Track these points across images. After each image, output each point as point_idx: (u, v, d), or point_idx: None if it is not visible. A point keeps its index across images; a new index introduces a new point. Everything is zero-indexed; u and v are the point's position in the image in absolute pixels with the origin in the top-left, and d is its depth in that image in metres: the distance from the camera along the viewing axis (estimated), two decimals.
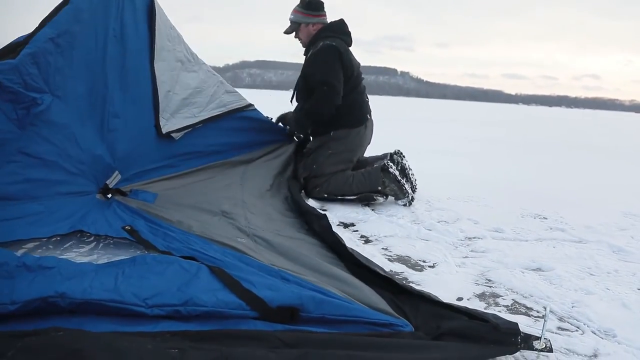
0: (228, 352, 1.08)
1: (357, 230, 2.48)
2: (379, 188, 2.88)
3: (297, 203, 2.54)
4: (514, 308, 1.67)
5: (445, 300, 1.49)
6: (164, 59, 2.56)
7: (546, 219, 2.88)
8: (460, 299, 1.72)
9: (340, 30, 3.07)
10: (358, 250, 1.90)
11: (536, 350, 1.25)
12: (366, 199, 2.95)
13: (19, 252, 1.62)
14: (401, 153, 3.05)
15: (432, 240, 2.36)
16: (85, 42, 2.16)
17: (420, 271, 1.97)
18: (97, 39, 2.23)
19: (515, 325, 1.28)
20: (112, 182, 2.34)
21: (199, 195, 2.44)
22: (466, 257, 2.16)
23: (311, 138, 3.18)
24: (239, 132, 2.97)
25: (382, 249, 2.22)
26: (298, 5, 3.10)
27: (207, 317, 1.30)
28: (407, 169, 3.00)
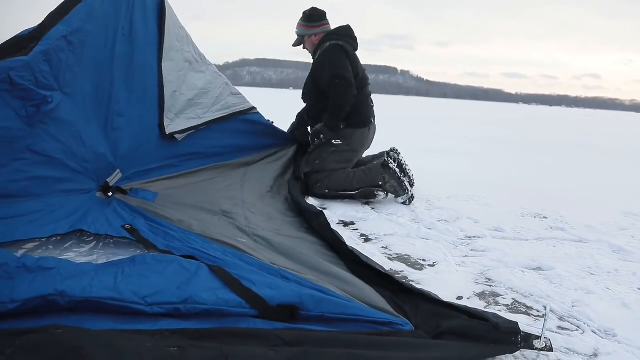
0: (228, 350, 1.08)
1: (357, 229, 2.48)
2: (380, 183, 2.91)
3: (297, 203, 2.54)
4: (514, 307, 1.67)
5: (445, 299, 1.49)
6: (172, 59, 2.57)
7: (546, 218, 2.88)
8: (460, 298, 1.72)
9: (345, 34, 3.13)
10: (358, 249, 1.90)
11: (536, 349, 1.25)
12: (367, 196, 2.96)
13: (19, 253, 1.62)
14: (397, 150, 3.11)
15: (432, 239, 2.36)
16: (96, 40, 2.16)
17: (420, 270, 1.96)
18: (107, 38, 2.24)
19: (515, 324, 1.28)
20: (112, 180, 2.34)
21: (199, 195, 2.44)
22: (466, 256, 2.16)
23: (316, 141, 3.20)
24: (240, 134, 2.98)
25: (382, 247, 2.22)
26: (301, 19, 3.22)
27: (207, 315, 1.30)
28: (403, 164, 3.04)
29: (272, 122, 3.22)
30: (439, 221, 2.64)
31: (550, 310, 1.62)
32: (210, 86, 2.78)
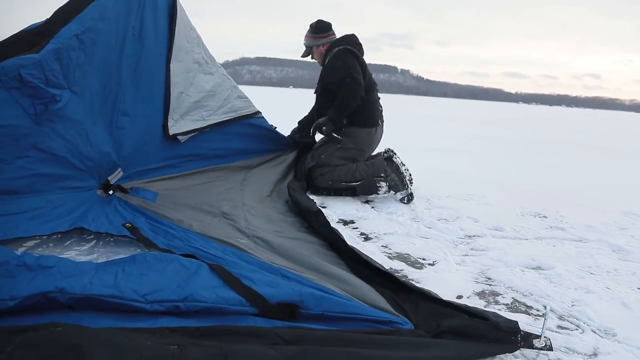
0: (227, 348, 1.08)
1: (356, 228, 2.48)
2: (382, 175, 3.00)
3: (296, 202, 2.54)
4: (514, 306, 1.67)
5: (445, 298, 1.49)
6: (181, 60, 2.57)
7: (546, 217, 2.88)
8: (460, 297, 1.72)
9: (351, 41, 3.23)
10: (358, 248, 1.90)
11: (536, 348, 1.25)
12: (369, 188, 2.99)
13: (20, 251, 1.62)
14: (392, 151, 3.14)
15: (432, 238, 2.36)
16: (106, 39, 2.16)
17: (420, 269, 1.96)
18: (118, 37, 2.23)
19: (515, 323, 1.28)
20: (113, 178, 2.34)
21: (199, 197, 2.45)
22: (466, 255, 2.16)
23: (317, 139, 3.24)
24: (243, 138, 3.00)
25: (382, 246, 2.22)
26: (308, 31, 3.34)
27: (207, 314, 1.30)
28: (400, 165, 3.06)
29: (275, 127, 3.24)
30: (438, 220, 2.64)
31: (550, 310, 1.62)
32: (218, 88, 2.79)
